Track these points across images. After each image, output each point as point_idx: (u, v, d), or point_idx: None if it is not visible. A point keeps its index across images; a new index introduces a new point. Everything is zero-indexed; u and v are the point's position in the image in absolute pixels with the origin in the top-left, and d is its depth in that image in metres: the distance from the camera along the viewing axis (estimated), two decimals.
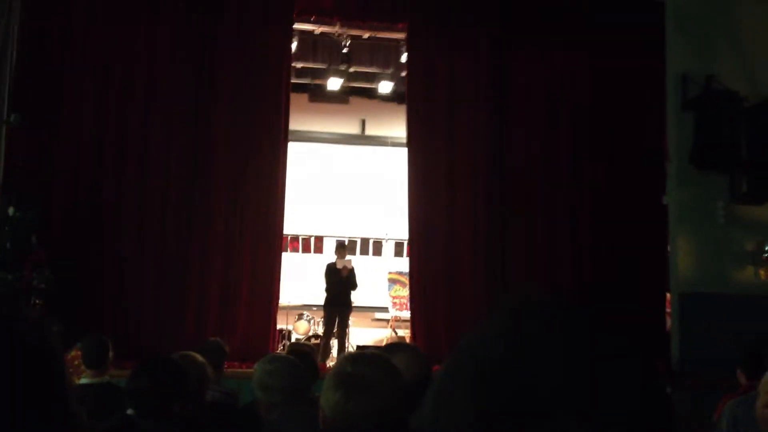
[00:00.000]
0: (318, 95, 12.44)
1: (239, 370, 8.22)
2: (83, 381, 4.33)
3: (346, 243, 11.97)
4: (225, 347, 4.94)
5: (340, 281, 9.87)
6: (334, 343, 10.67)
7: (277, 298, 9.71)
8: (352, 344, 10.62)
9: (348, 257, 10.29)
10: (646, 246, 9.75)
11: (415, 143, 10.05)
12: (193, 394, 2.80)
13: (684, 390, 7.64)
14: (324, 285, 10.04)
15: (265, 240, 9.57)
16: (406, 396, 1.82)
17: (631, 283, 9.61)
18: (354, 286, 10.03)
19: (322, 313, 11.58)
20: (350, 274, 10.00)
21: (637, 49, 9.85)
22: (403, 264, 11.75)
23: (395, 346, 2.46)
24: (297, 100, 10.15)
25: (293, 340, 11.15)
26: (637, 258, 9.72)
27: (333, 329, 9.96)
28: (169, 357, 2.85)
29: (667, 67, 9.19)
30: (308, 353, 4.11)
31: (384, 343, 11.53)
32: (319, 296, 11.86)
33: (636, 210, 9.84)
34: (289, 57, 10.04)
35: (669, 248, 9.21)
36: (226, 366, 8.07)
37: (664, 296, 9.47)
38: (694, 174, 8.80)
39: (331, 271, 9.99)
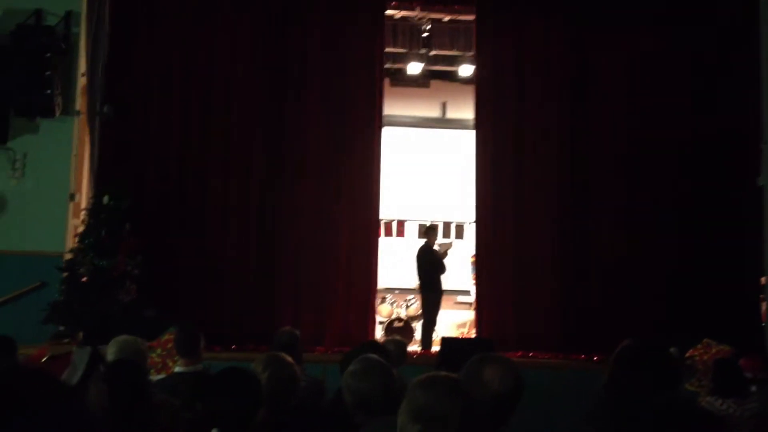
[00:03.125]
0: (398, 79, 12.44)
1: (325, 354, 8.36)
2: (177, 369, 4.46)
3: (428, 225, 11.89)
4: (297, 333, 4.96)
5: (435, 263, 9.80)
6: (417, 326, 10.72)
7: (375, 283, 9.72)
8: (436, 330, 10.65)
9: (445, 240, 10.15)
10: (741, 229, 9.36)
11: (483, 126, 9.91)
12: (283, 394, 2.86)
13: None
14: (419, 269, 9.97)
15: (362, 225, 9.60)
16: (480, 416, 1.84)
17: (725, 269, 9.26)
18: (443, 269, 10.00)
19: (404, 297, 11.67)
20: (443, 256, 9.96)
21: (730, 26, 9.45)
22: None
23: (487, 358, 2.43)
24: None
25: (377, 323, 11.25)
26: (732, 242, 9.34)
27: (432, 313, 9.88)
28: (240, 369, 2.86)
29: (761, 44, 8.82)
30: (391, 349, 4.11)
31: (467, 326, 11.51)
32: (401, 279, 11.93)
33: (730, 192, 9.46)
34: (382, 43, 9.99)
35: (765, 232, 8.88)
36: (313, 351, 8.30)
37: (759, 282, 9.12)
38: None
39: (428, 254, 9.89)
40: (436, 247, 10.03)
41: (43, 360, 2.65)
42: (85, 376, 2.77)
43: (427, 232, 10.32)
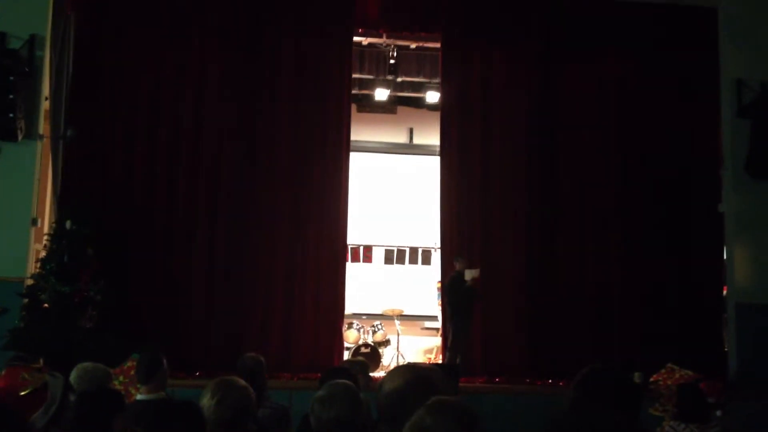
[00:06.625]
0: (366, 105, 12.49)
1: (291, 381, 8.28)
2: (138, 397, 4.36)
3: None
4: (262, 360, 4.86)
5: (467, 292, 9.23)
6: (383, 352, 10.65)
7: (343, 308, 9.69)
8: (402, 353, 10.63)
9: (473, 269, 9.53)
10: (702, 255, 9.52)
11: (448, 152, 10.00)
12: (237, 417, 2.81)
13: (742, 402, 7.47)
14: (450, 297, 9.36)
15: (330, 251, 9.59)
16: None
17: (687, 293, 9.39)
18: (474, 295, 9.31)
19: (371, 322, 11.61)
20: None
21: (690, 56, 9.65)
22: None
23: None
24: None
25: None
26: (693, 267, 9.49)
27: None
28: (186, 401, 2.77)
29: (721, 73, 9.02)
30: (353, 373, 4.08)
31: (434, 352, 11.44)
32: (368, 305, 11.89)
33: (691, 218, 9.62)
34: (349, 69, 10.07)
35: (725, 257, 9.03)
36: (280, 377, 8.19)
37: (721, 307, 9.25)
38: (751, 182, 8.62)
39: (458, 281, 9.28)
40: (467, 277, 9.49)
41: (22, 394, 2.56)
42: (59, 407, 2.69)
43: (457, 260, 9.89)
